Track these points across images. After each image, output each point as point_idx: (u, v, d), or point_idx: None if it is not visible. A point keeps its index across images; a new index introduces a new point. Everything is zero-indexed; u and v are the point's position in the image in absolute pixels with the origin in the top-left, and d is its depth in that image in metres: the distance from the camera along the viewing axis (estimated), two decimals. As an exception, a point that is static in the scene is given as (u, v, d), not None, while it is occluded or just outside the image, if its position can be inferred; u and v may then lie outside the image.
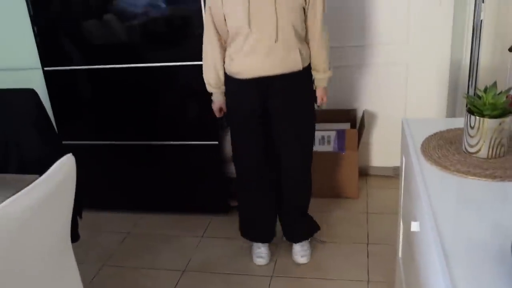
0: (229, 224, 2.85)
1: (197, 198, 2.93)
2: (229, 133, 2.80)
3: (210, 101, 2.35)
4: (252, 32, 2.03)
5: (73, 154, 1.45)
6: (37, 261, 1.38)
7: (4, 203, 1.18)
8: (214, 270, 2.47)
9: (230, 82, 2.21)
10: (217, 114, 2.37)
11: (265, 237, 2.51)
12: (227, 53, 2.17)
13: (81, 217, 2.15)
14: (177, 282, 2.39)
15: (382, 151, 3.20)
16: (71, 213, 1.51)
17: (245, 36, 2.05)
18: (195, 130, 2.76)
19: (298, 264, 2.45)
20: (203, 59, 2.25)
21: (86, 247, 2.67)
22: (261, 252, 2.49)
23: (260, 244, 2.51)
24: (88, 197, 2.59)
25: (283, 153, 2.31)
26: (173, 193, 2.95)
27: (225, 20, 2.07)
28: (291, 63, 2.11)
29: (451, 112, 2.98)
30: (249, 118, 2.23)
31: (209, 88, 2.28)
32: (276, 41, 2.04)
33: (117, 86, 2.76)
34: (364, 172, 3.26)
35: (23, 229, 1.27)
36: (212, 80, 2.25)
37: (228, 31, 2.10)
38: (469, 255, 1.00)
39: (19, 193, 1.22)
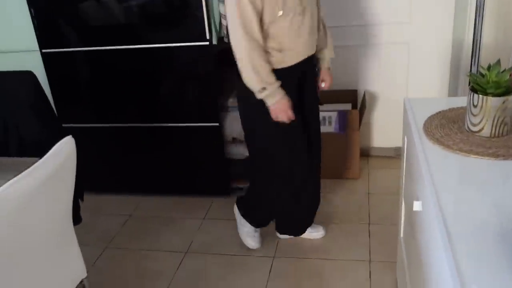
0: (231, 205, 2.84)
1: (198, 180, 2.93)
2: (230, 114, 2.80)
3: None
4: (299, 14, 1.95)
5: (73, 137, 1.45)
6: (39, 243, 1.39)
7: (5, 185, 1.18)
8: (216, 251, 2.48)
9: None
10: (293, 115, 2.01)
11: (267, 223, 2.52)
12: (269, 45, 1.96)
13: (82, 200, 2.15)
14: (180, 264, 2.41)
15: (383, 131, 3.19)
16: (72, 195, 1.51)
17: (291, 18, 1.94)
18: (196, 112, 2.74)
19: (310, 240, 2.49)
20: (246, 61, 1.90)
21: (88, 230, 2.68)
22: (257, 236, 2.49)
23: (258, 229, 2.51)
24: (89, 180, 2.60)
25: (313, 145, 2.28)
26: (174, 175, 2.95)
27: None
28: (317, 41, 2.12)
29: (453, 92, 2.96)
30: (294, 110, 2.05)
31: (272, 87, 1.93)
32: (314, 21, 2.03)
33: (117, 67, 2.74)
34: (365, 153, 3.25)
35: (25, 211, 1.27)
36: (270, 75, 1.93)
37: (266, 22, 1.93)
38: (471, 233, 1.00)
39: (19, 176, 1.22)
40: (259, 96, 1.96)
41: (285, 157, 2.18)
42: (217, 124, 2.73)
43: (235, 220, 2.56)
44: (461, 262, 0.92)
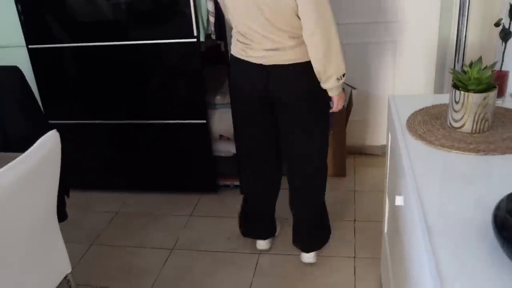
0: (217, 202, 2.86)
1: (186, 177, 2.93)
2: (217, 111, 2.81)
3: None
4: None
5: (60, 133, 1.44)
6: (22, 238, 1.38)
7: (-13, 179, 1.18)
8: (202, 248, 2.48)
9: None
10: None
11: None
12: None
13: (68, 196, 2.14)
14: (166, 260, 2.40)
15: (370, 129, 3.22)
16: (57, 190, 1.50)
17: None
18: (183, 109, 2.74)
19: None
20: (338, 43, 1.83)
21: (74, 227, 2.66)
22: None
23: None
24: (75, 177, 2.59)
25: None
26: (161, 172, 2.94)
27: None
28: None
29: (439, 89, 2.99)
30: None
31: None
32: None
33: (104, 64, 2.73)
34: (352, 151, 3.27)
35: (8, 204, 1.26)
36: None
37: None
38: (451, 228, 1.01)
39: (2, 169, 1.21)
40: (336, 84, 1.89)
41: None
42: (205, 121, 2.73)
43: (221, 216, 2.56)
44: (442, 258, 0.92)
